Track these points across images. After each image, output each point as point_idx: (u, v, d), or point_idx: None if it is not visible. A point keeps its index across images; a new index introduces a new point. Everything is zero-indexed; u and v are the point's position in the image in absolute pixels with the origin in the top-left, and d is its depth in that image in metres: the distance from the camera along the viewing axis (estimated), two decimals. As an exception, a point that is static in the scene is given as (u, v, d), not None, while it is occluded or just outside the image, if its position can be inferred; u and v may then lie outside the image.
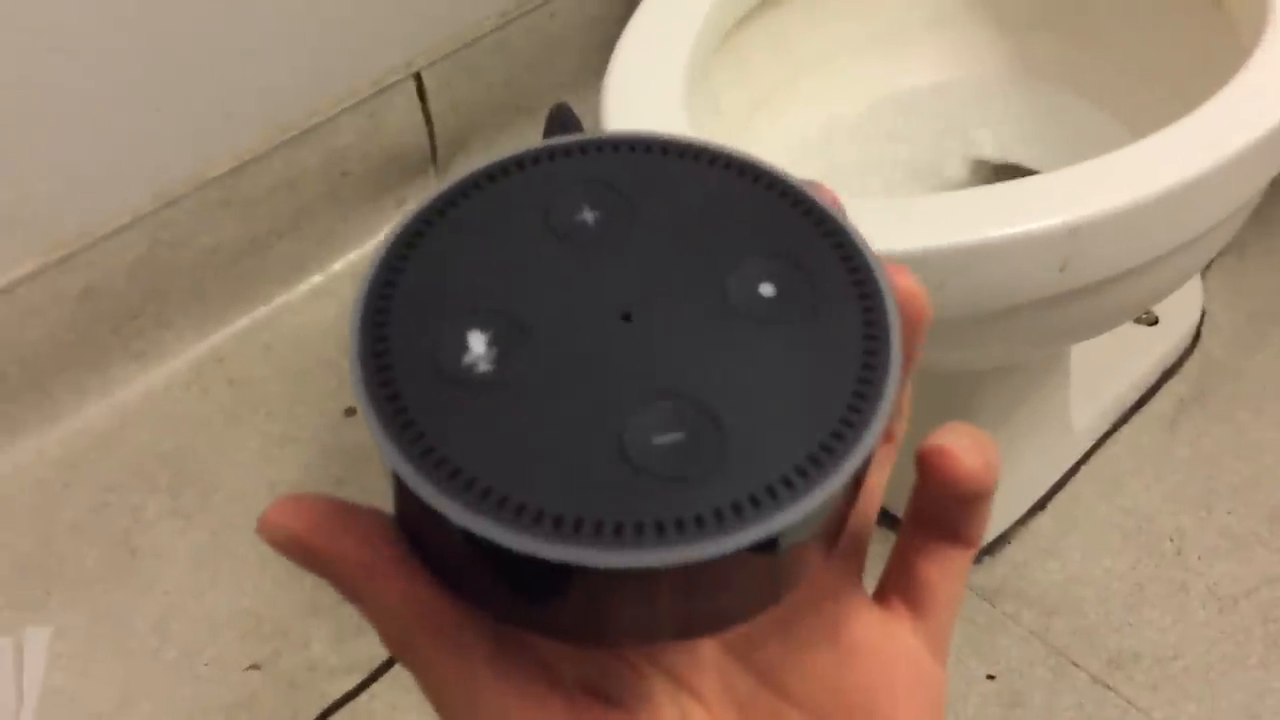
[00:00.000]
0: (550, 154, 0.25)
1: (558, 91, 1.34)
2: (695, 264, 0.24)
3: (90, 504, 1.08)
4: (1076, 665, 0.94)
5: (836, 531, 0.24)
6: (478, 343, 0.22)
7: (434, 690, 0.23)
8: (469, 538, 0.20)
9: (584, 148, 0.26)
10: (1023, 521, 1.03)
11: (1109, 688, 0.93)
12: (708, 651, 0.27)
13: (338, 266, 1.25)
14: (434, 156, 1.30)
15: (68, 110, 1.02)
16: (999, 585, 0.99)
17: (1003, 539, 1.02)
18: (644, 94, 0.77)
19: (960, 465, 0.25)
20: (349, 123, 1.20)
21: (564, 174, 0.25)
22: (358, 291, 0.23)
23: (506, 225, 0.24)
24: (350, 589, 0.23)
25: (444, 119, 1.28)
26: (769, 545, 0.21)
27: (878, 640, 0.27)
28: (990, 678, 0.94)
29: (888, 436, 0.28)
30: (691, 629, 0.23)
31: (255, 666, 0.97)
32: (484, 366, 0.22)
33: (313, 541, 0.23)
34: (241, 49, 1.10)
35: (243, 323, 1.21)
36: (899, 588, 0.28)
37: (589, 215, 0.24)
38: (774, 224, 0.25)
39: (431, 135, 1.28)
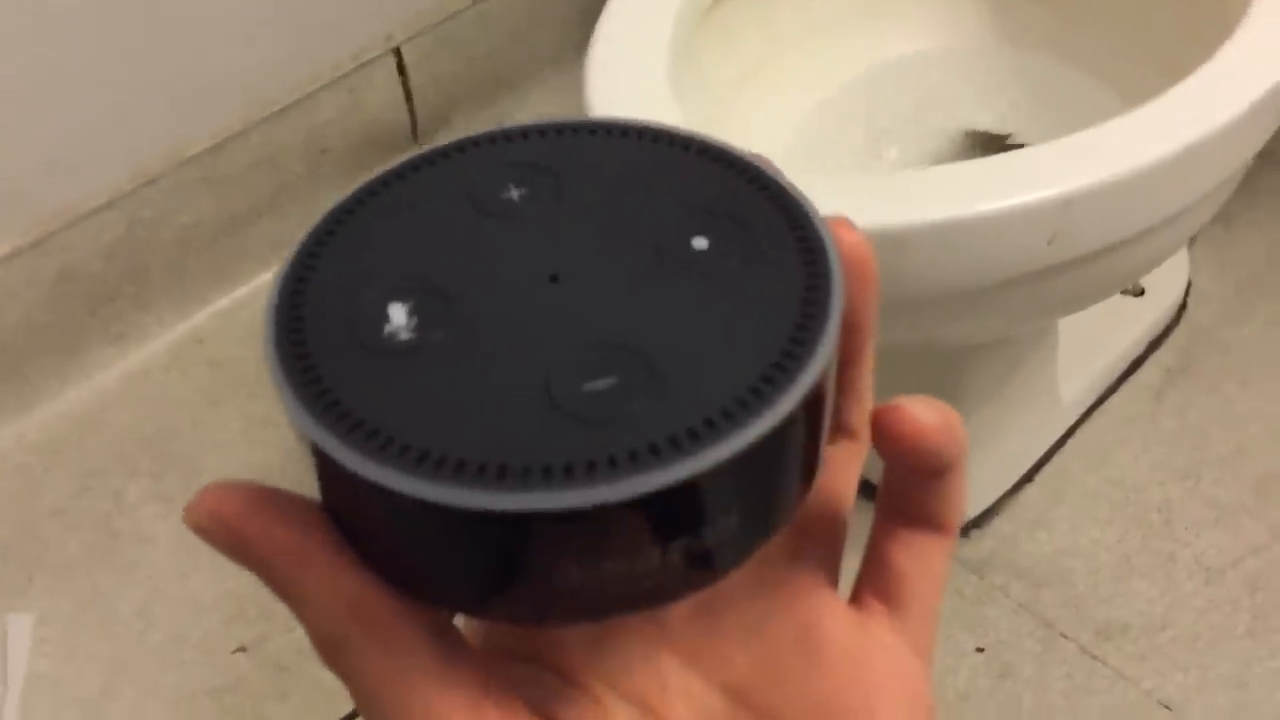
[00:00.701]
0: (474, 142, 0.25)
1: (540, 64, 1.33)
2: (626, 226, 0.23)
3: (71, 488, 1.07)
4: (1065, 636, 0.95)
5: (795, 482, 0.23)
6: (398, 313, 0.22)
7: (365, 697, 0.21)
8: (393, 500, 0.19)
9: (508, 135, 0.25)
10: (1011, 493, 1.03)
11: (1098, 658, 0.93)
12: (674, 677, 0.26)
13: (318, 245, 1.24)
14: (414, 132, 1.29)
15: (43, 89, 1.01)
16: (987, 557, 0.99)
17: (991, 511, 1.02)
18: (628, 68, 0.77)
19: (914, 420, 0.24)
20: (329, 99, 1.19)
21: (488, 159, 0.25)
22: (275, 277, 0.22)
23: (430, 207, 0.24)
24: (280, 580, 0.22)
25: (424, 93, 1.27)
26: (716, 482, 0.20)
27: (852, 642, 0.26)
28: (979, 650, 0.94)
29: (852, 435, 0.27)
30: (642, 596, 0.22)
31: (242, 649, 0.96)
32: (405, 335, 0.21)
33: (242, 528, 0.21)
34: (219, 25, 1.08)
35: (223, 303, 1.20)
36: (873, 582, 0.27)
37: (514, 193, 0.24)
38: (707, 186, 0.24)
39: (412, 110, 1.27)
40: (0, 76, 0.98)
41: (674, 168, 0.25)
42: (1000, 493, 1.02)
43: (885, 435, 0.24)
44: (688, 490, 0.20)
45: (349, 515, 0.22)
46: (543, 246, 0.23)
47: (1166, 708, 0.90)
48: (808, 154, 0.93)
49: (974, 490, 1.00)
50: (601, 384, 0.20)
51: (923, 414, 0.24)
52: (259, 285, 1.21)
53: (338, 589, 0.21)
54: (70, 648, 0.97)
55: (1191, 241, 1.18)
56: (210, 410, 1.12)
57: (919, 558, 0.26)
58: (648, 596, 0.22)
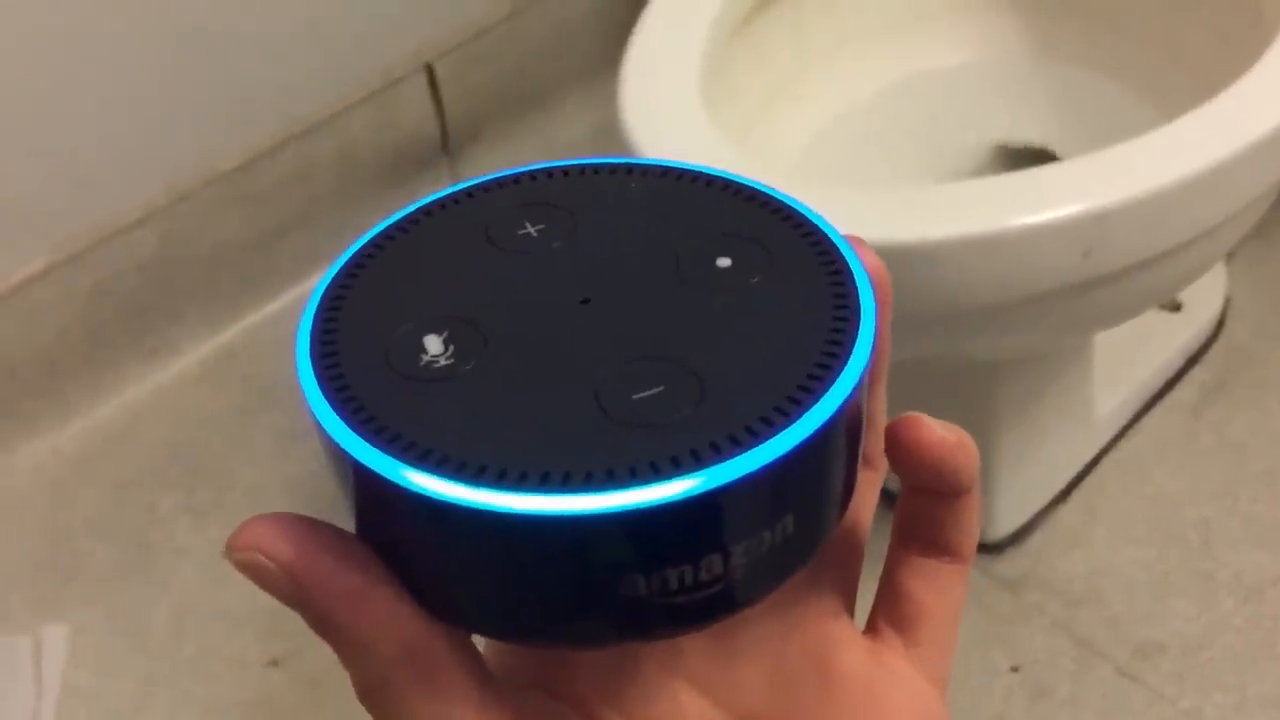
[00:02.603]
0: (484, 187, 0.26)
1: (572, 79, 1.33)
2: (645, 252, 0.24)
3: (105, 502, 1.08)
4: (1102, 656, 0.93)
5: (839, 493, 0.23)
6: (434, 343, 0.22)
7: None
8: (459, 518, 0.19)
9: (517, 178, 0.26)
10: (1046, 511, 1.02)
11: (1135, 679, 0.92)
12: (689, 705, 0.26)
13: (350, 260, 1.24)
14: (446, 147, 1.29)
15: (77, 106, 1.02)
16: (1023, 576, 0.98)
17: (1026, 529, 1.00)
18: (660, 82, 0.76)
19: (932, 432, 0.24)
20: (360, 115, 1.19)
21: (501, 200, 0.25)
22: (301, 319, 0.22)
23: (449, 246, 0.24)
24: (333, 623, 0.21)
25: (456, 110, 1.27)
26: (785, 476, 0.20)
27: (868, 672, 0.26)
28: (1014, 669, 0.93)
29: (869, 462, 0.26)
30: (705, 606, 0.21)
31: (274, 663, 0.96)
32: (444, 362, 0.21)
33: (297, 570, 0.21)
34: (252, 43, 1.09)
35: (254, 318, 1.20)
36: (888, 611, 0.27)
37: (531, 229, 0.24)
38: (719, 212, 0.25)
39: (443, 126, 1.27)
40: (34, 94, 0.99)
41: (682, 199, 0.25)
42: (1035, 510, 1.01)
43: (902, 445, 0.24)
44: (759, 484, 0.20)
45: (399, 545, 0.21)
46: (567, 275, 0.23)
47: (1206, 729, 0.89)
48: (839, 168, 0.93)
49: (1009, 508, 0.99)
50: (650, 393, 0.20)
51: (937, 426, 0.24)
52: (291, 300, 1.21)
53: (394, 632, 0.21)
54: (103, 660, 0.97)
55: (1230, 257, 1.17)
56: (242, 424, 1.13)
57: (934, 585, 0.26)
58: (711, 606, 0.21)
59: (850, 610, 0.27)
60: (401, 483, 0.19)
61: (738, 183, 0.25)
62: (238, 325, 1.19)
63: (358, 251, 0.24)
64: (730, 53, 0.84)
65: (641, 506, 0.19)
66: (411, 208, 0.25)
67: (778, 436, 0.20)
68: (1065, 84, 0.98)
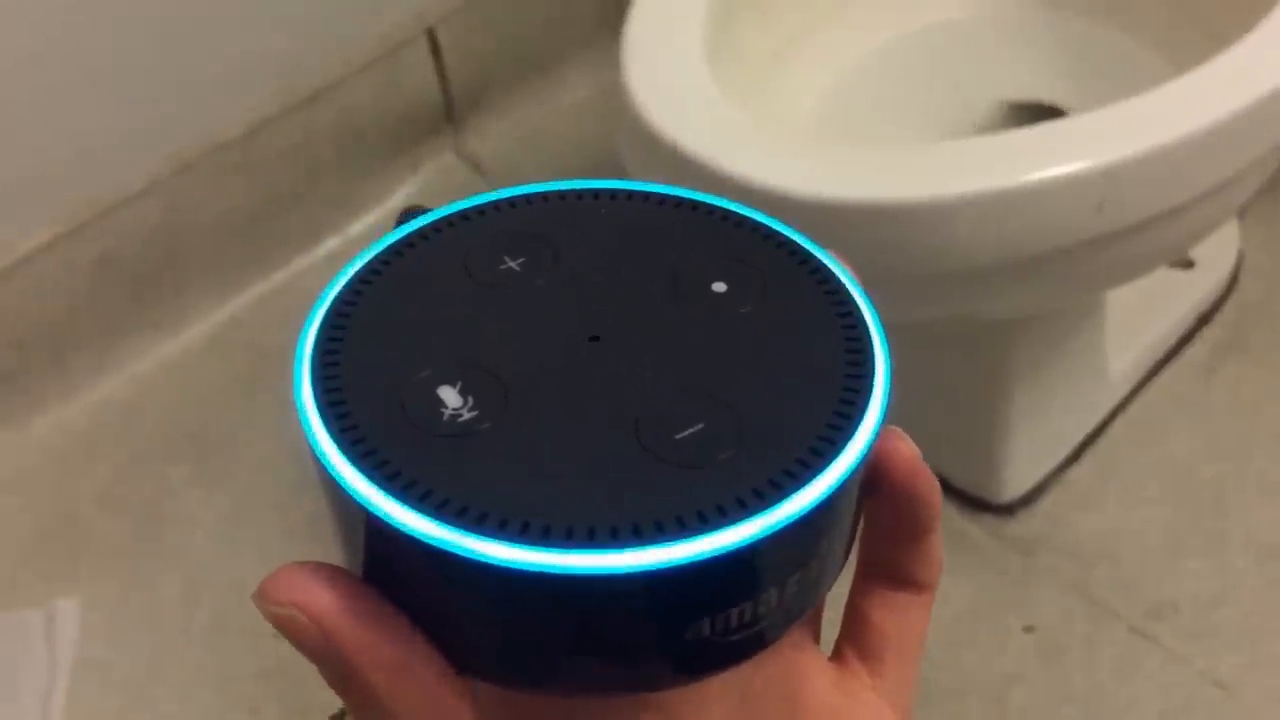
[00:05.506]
0: (449, 221, 0.25)
1: (575, 43, 1.32)
2: (637, 281, 0.23)
3: (114, 475, 1.08)
4: (1115, 616, 0.93)
5: (858, 517, 0.23)
6: (451, 396, 0.21)
7: None
8: (517, 581, 0.18)
9: (482, 209, 0.25)
10: (1058, 471, 1.01)
11: (1148, 638, 0.92)
12: None
13: (354, 229, 1.24)
14: (449, 114, 1.28)
15: (78, 77, 1.01)
16: (1036, 537, 0.98)
17: (1038, 490, 1.00)
18: (664, 44, 0.76)
19: (905, 444, 0.24)
20: (362, 82, 1.18)
21: (474, 234, 0.24)
22: (294, 382, 0.21)
23: (432, 287, 0.23)
24: (368, 691, 0.20)
25: (459, 75, 1.26)
26: (834, 506, 0.20)
27: (834, 702, 0.26)
28: (1028, 630, 0.93)
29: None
30: (749, 643, 0.21)
31: (285, 634, 0.97)
32: (466, 416, 0.20)
33: (338, 635, 0.20)
34: (252, 10, 1.08)
35: (260, 288, 1.20)
36: (853, 640, 0.27)
37: (513, 264, 0.24)
38: (701, 234, 0.24)
39: (446, 92, 1.26)
40: (35, 66, 0.98)
41: (658, 223, 0.25)
42: (1048, 470, 1.01)
43: (891, 460, 0.24)
44: (817, 516, 0.20)
45: (445, 610, 0.20)
46: (564, 310, 0.23)
47: (1220, 687, 0.89)
48: (847, 126, 0.92)
49: (1021, 469, 0.99)
50: (692, 431, 0.20)
51: (914, 447, 0.24)
52: (296, 270, 1.21)
53: (431, 708, 0.20)
54: (116, 633, 0.98)
55: (1242, 213, 1.15)
56: (250, 394, 1.13)
57: (897, 615, 0.27)
58: (754, 642, 0.21)
59: (816, 639, 0.27)
60: (463, 553, 0.18)
61: (708, 203, 0.25)
62: (244, 295, 1.19)
63: (338, 298, 0.23)
64: (735, 12, 0.83)
65: (723, 551, 0.19)
66: (381, 245, 0.24)
67: (827, 468, 0.20)
68: (1075, 38, 0.96)
